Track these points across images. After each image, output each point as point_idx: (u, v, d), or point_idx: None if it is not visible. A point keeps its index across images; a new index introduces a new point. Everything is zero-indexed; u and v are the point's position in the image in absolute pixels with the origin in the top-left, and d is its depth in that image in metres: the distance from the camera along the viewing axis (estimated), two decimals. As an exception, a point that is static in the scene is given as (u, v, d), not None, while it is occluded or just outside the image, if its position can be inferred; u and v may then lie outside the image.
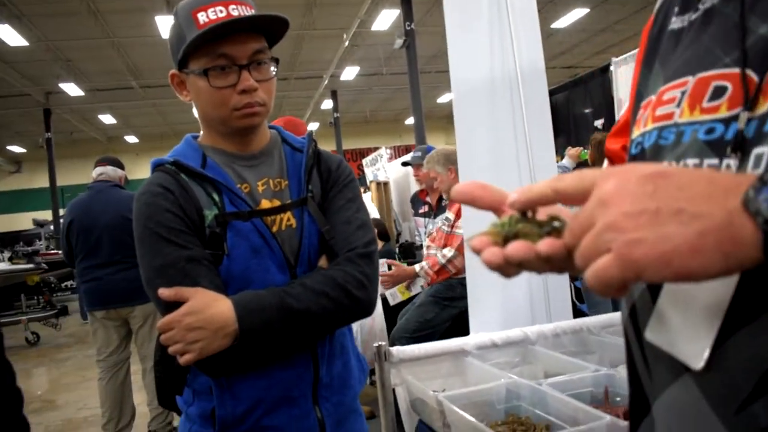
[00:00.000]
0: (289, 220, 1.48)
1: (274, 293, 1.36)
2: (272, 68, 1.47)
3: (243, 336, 1.31)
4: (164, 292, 1.32)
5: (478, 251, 0.61)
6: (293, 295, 1.36)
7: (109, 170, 4.70)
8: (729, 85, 0.67)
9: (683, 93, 0.73)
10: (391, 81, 19.71)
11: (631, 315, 0.76)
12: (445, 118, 26.46)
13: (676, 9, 0.81)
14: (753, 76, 0.65)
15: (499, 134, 2.73)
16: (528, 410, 1.79)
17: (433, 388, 1.97)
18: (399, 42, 12.78)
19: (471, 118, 2.74)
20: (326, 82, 18.10)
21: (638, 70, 0.87)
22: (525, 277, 2.68)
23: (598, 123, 7.62)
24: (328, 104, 21.64)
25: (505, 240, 0.61)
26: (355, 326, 3.07)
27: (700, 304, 0.63)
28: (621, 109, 6.61)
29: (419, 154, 4.75)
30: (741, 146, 0.63)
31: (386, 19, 13.95)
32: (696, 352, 0.63)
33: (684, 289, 0.66)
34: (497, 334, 2.19)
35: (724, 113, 0.66)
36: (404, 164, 5.20)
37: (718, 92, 0.68)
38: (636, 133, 0.80)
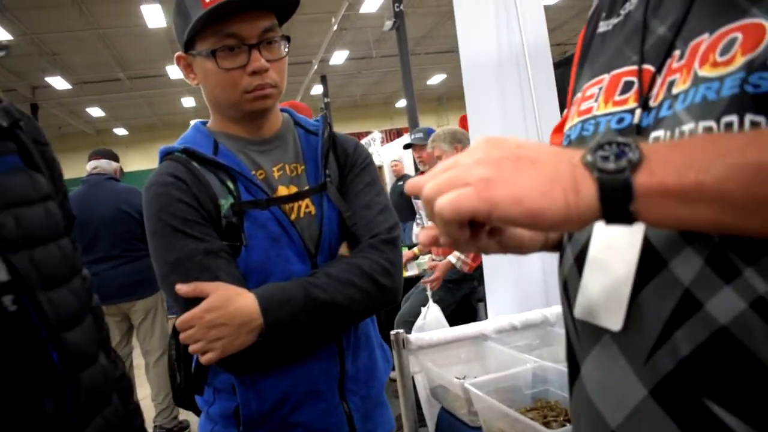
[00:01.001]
0: (307, 206, 1.42)
1: (298, 284, 1.29)
2: (284, 47, 1.40)
3: (269, 331, 1.25)
4: (182, 288, 1.25)
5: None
6: (319, 285, 1.29)
7: (104, 163, 4.60)
8: (635, 79, 0.78)
9: (600, 89, 0.84)
10: (380, 64, 19.57)
11: (564, 289, 0.86)
12: (435, 100, 26.34)
13: (603, 14, 0.92)
14: (650, 68, 0.76)
15: (508, 110, 2.67)
16: (556, 394, 1.73)
17: (453, 374, 1.91)
18: (388, 24, 12.66)
19: (481, 96, 2.68)
20: (315, 67, 17.95)
21: (574, 71, 0.97)
22: (538, 259, 2.63)
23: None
24: (317, 89, 21.49)
25: None
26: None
27: (614, 272, 0.73)
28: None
29: (421, 135, 4.68)
30: (638, 134, 0.75)
31: (375, 1, 13.81)
32: (614, 317, 0.73)
33: (601, 261, 0.76)
34: (516, 317, 2.14)
35: (631, 104, 0.78)
36: (406, 147, 5.10)
37: (627, 87, 0.79)
38: (567, 126, 0.92)
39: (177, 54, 1.43)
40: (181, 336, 1.26)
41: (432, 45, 18.86)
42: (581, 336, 0.81)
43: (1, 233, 0.65)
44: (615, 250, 0.74)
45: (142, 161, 24.39)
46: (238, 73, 1.34)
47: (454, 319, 4.14)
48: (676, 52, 0.73)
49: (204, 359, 1.25)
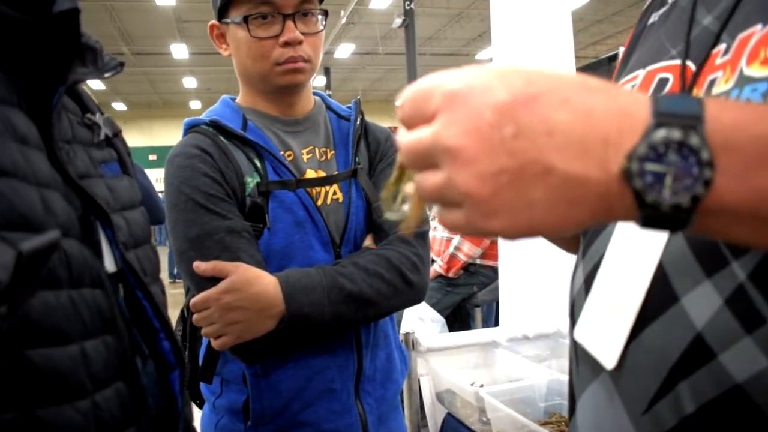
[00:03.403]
0: (335, 193, 1.34)
1: (324, 272, 1.22)
2: (321, 21, 1.33)
3: (290, 319, 1.17)
4: (201, 266, 1.18)
5: None
6: (345, 275, 1.22)
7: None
8: (671, 76, 0.66)
9: (633, 87, 0.71)
10: (385, 61, 19.55)
11: (570, 312, 0.75)
12: (436, 102, 26.34)
13: (658, 4, 0.79)
14: (691, 66, 0.64)
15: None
16: (571, 409, 1.67)
17: (461, 379, 1.84)
18: (398, 21, 12.65)
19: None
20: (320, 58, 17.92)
21: (618, 66, 0.85)
22: (550, 272, 2.57)
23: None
24: (320, 81, 21.45)
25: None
26: None
27: (619, 300, 0.62)
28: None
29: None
30: None
31: (385, -3, 13.77)
32: (610, 353, 0.62)
33: (609, 286, 0.65)
34: (529, 327, 2.07)
35: None
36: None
37: (661, 84, 0.67)
38: None
39: (210, 23, 1.36)
40: (195, 317, 1.18)
41: (437, 47, 18.85)
42: (580, 367, 0.72)
43: (117, 233, 0.71)
44: (626, 274, 0.63)
45: (140, 138, 24.27)
46: (270, 43, 1.27)
47: (448, 324, 4.08)
48: (721, 46, 0.61)
49: (217, 344, 1.18)
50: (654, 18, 0.79)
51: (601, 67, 8.02)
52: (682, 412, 0.56)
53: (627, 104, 0.44)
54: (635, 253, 0.62)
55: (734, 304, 0.52)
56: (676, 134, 0.41)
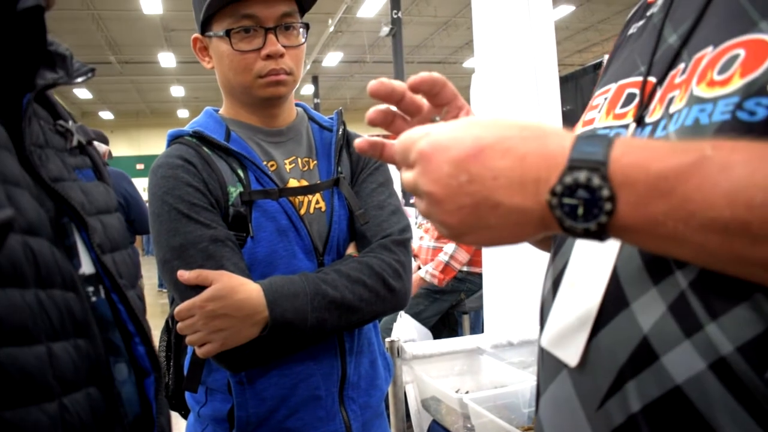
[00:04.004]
0: (318, 202, 1.36)
1: (307, 279, 1.23)
2: (302, 34, 1.35)
3: (273, 325, 1.18)
4: (184, 275, 1.19)
5: None
6: (328, 281, 1.24)
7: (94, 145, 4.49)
8: (637, 92, 0.72)
9: (605, 99, 0.79)
10: (373, 69, 19.58)
11: (540, 313, 0.80)
12: (424, 110, 26.36)
13: (638, 16, 0.85)
14: (653, 82, 0.70)
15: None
16: (554, 415, 1.68)
17: (446, 386, 1.86)
18: (385, 30, 12.70)
19: (487, 107, 2.65)
20: (308, 67, 17.94)
21: (600, 75, 0.91)
22: (534, 280, 2.58)
23: (587, 121, 7.53)
24: (308, 89, 21.48)
25: None
26: None
27: (581, 303, 0.68)
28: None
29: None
30: None
31: (373, 6, 13.81)
32: (572, 351, 0.68)
33: (572, 290, 0.71)
34: (514, 334, 2.09)
35: (629, 119, 0.72)
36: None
37: (629, 99, 0.74)
38: None
39: (193, 36, 1.38)
40: (179, 325, 1.19)
41: (425, 55, 18.91)
42: (545, 365, 0.76)
43: (92, 236, 0.72)
44: (586, 279, 0.68)
45: (127, 147, 24.18)
46: (252, 56, 1.29)
47: (436, 331, 4.10)
48: (681, 65, 0.66)
49: (201, 351, 1.19)
50: (633, 30, 0.83)
51: (586, 75, 8.09)
52: (629, 410, 0.61)
53: (554, 149, 0.54)
54: (595, 259, 0.68)
55: (676, 310, 0.58)
56: (583, 176, 0.51)
